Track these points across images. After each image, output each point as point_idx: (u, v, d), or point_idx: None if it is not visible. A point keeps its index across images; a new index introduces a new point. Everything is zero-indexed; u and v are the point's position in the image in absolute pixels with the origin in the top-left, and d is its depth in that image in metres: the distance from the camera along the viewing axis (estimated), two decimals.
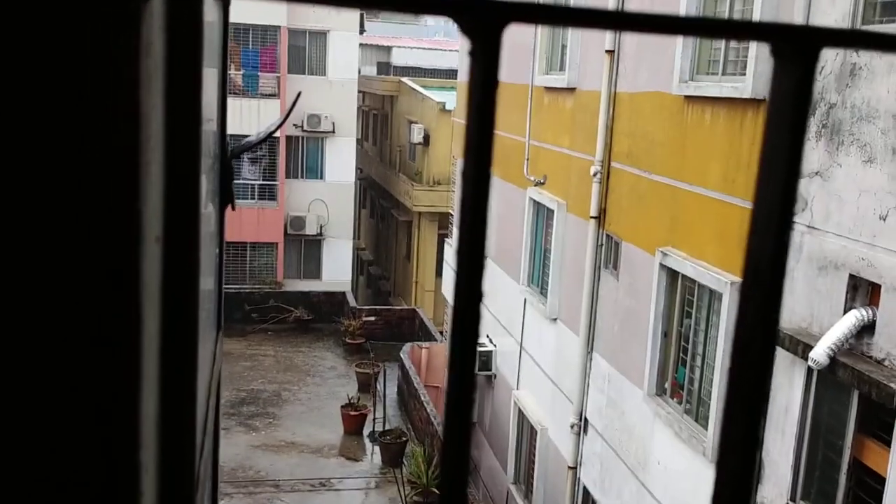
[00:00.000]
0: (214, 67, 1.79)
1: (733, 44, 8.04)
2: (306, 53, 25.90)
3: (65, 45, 0.51)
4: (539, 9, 0.42)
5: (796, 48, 0.45)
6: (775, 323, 0.47)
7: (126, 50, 0.53)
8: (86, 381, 0.57)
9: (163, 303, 0.82)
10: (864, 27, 6.27)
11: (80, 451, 0.58)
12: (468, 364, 0.45)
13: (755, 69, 7.33)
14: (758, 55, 7.32)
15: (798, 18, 6.80)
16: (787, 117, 0.45)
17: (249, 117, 23.89)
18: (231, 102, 27.67)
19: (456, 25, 0.40)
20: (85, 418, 0.58)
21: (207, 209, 1.62)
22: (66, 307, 0.56)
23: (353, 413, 17.26)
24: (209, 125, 1.65)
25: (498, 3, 0.40)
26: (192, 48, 0.85)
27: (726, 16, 8.09)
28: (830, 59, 6.49)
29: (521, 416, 13.11)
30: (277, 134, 24.69)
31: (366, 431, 17.31)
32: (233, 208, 1.97)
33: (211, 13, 1.56)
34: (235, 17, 23.74)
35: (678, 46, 8.59)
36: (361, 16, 26.74)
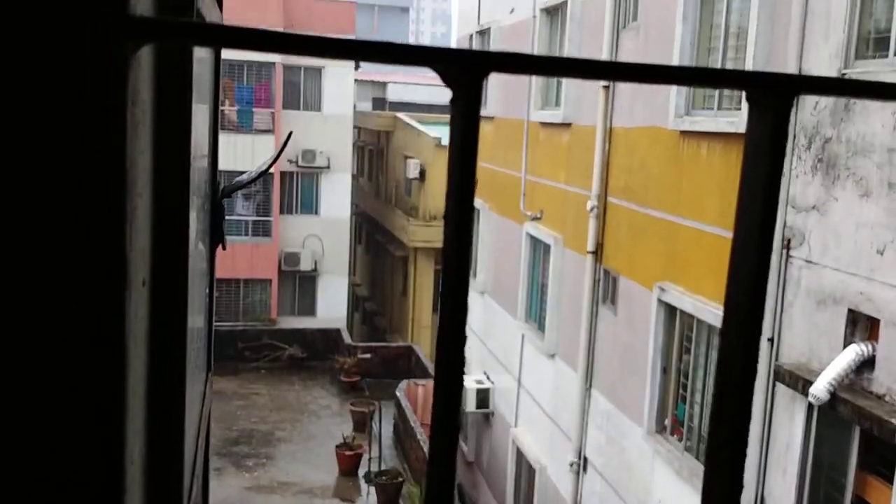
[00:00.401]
0: (206, 104, 1.76)
1: None
2: (301, 89, 26.06)
3: (53, 94, 0.53)
4: (517, 58, 0.44)
5: (770, 96, 0.46)
6: (756, 352, 0.48)
7: (113, 99, 0.55)
8: (70, 422, 0.57)
9: (150, 345, 0.82)
10: (858, 62, 6.30)
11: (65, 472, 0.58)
12: (452, 410, 0.45)
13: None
14: None
15: (791, 54, 6.84)
16: (763, 163, 0.46)
17: (244, 153, 23.95)
18: (225, 138, 27.66)
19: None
20: (65, 458, 0.58)
21: (198, 248, 1.58)
22: (50, 347, 0.56)
23: (347, 453, 17.04)
24: (201, 162, 1.62)
25: (477, 53, 0.42)
26: (180, 95, 0.89)
27: (721, 51, 8.13)
28: None
29: (520, 454, 12.95)
30: (271, 170, 24.73)
31: (361, 472, 17.08)
32: (223, 248, 1.93)
33: (202, 51, 1.53)
34: (230, 53, 23.90)
35: None
36: None
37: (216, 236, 1.87)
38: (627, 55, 9.92)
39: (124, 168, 0.55)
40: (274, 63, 25.02)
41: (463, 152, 0.42)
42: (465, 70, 0.41)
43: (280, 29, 28.59)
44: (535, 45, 12.57)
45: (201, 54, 1.52)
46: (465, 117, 0.42)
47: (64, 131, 0.53)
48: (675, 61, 8.61)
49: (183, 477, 1.11)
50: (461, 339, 0.44)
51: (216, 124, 1.94)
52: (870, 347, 6.00)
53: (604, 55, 10.20)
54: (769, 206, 0.46)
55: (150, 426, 0.85)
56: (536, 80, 12.58)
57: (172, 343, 0.89)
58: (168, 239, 0.84)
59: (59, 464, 0.57)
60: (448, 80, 0.41)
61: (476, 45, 15.51)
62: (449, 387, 0.44)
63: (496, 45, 14.49)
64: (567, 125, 11.54)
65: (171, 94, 0.83)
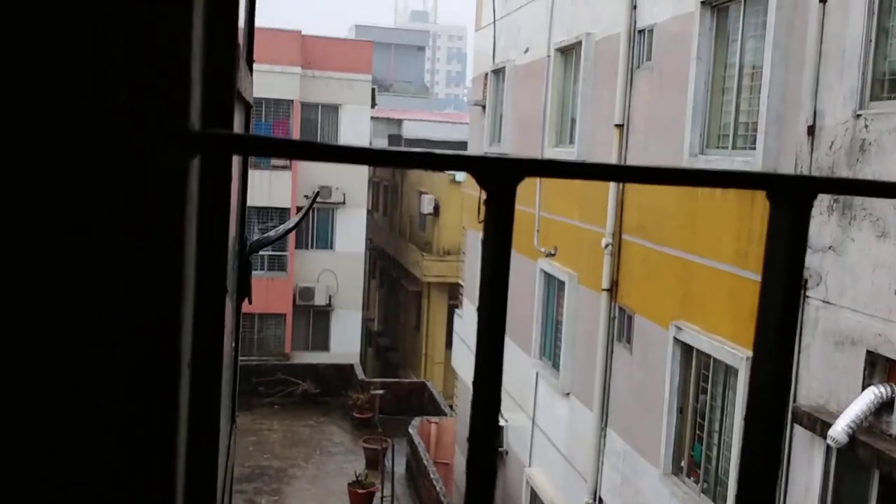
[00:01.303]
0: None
1: (742, 118, 8.09)
2: (318, 126, 26.32)
3: (121, 202, 0.57)
4: (548, 164, 0.48)
5: (791, 196, 0.48)
6: (787, 393, 0.51)
7: (173, 205, 0.58)
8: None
9: (190, 423, 0.86)
10: (873, 103, 6.30)
11: None
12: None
13: (765, 143, 7.36)
14: (767, 130, 7.35)
15: (806, 94, 6.85)
16: (783, 259, 0.48)
17: (261, 189, 24.14)
18: None
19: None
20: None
21: (227, 307, 1.59)
22: (107, 436, 0.59)
23: (360, 491, 16.89)
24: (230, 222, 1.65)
25: (512, 159, 0.45)
26: (223, 182, 0.95)
27: (735, 91, 8.16)
28: (840, 134, 6.50)
29: (534, 494, 12.80)
30: (288, 205, 24.91)
31: None
32: (249, 302, 1.95)
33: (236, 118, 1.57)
34: None
35: (687, 120, 8.66)
36: (373, 90, 27.24)
37: (243, 290, 1.89)
38: (641, 95, 9.98)
39: (181, 271, 0.59)
40: (292, 101, 25.31)
41: (497, 250, 0.44)
42: (501, 174, 0.43)
43: (298, 68, 28.69)
44: (549, 85, 12.67)
45: (239, 111, 1.55)
46: (500, 218, 0.44)
47: (125, 237, 0.57)
48: (689, 101, 8.65)
49: None
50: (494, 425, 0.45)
51: (245, 177, 1.97)
52: (889, 389, 5.92)
53: (618, 95, 10.27)
54: (790, 301, 0.47)
55: (187, 487, 0.87)
56: (550, 117, 12.66)
57: (209, 419, 0.92)
58: (208, 318, 0.89)
59: None
60: (484, 184, 0.44)
61: (491, 83, 15.64)
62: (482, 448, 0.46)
63: (510, 83, 14.62)
64: None
65: (214, 181, 0.89)
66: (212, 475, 1.01)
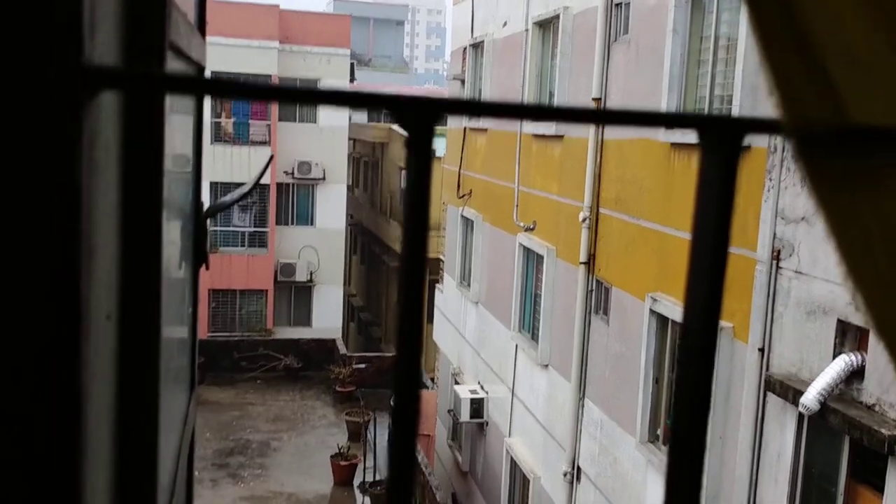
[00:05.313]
0: (189, 117, 1.79)
1: (718, 90, 8.15)
2: None
3: (5, 143, 0.52)
4: (466, 104, 0.48)
5: (720, 138, 0.47)
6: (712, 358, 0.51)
7: (65, 148, 0.53)
8: (23, 465, 0.55)
9: (119, 377, 0.82)
10: None
11: None
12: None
13: (740, 114, 7.41)
14: (741, 102, 7.42)
15: None
16: (713, 205, 0.47)
17: (240, 164, 24.01)
18: (223, 150, 27.33)
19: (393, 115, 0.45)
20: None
21: (180, 268, 1.61)
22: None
23: (343, 463, 17.03)
24: (182, 182, 1.65)
25: (428, 99, 0.45)
26: (151, 127, 0.87)
27: (710, 63, 8.21)
28: None
29: (514, 464, 12.96)
30: (268, 181, 24.79)
31: (356, 482, 17.07)
32: (206, 268, 1.96)
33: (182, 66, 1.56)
34: (226, 66, 23.97)
35: (664, 93, 8.70)
36: (352, 65, 27.06)
37: (199, 256, 1.90)
38: (618, 68, 10.00)
39: (78, 215, 0.55)
40: (270, 75, 25.11)
41: (417, 190, 0.44)
42: (418, 114, 0.44)
43: (276, 43, 28.41)
44: (527, 58, 12.65)
45: (182, 69, 1.55)
46: (420, 155, 0.45)
47: (15, 179, 0.53)
48: (665, 73, 8.69)
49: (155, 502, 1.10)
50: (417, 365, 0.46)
51: (200, 139, 1.97)
52: (859, 357, 6.04)
53: (595, 68, 10.29)
54: (719, 246, 0.47)
55: (120, 457, 0.85)
56: (529, 92, 12.66)
57: (143, 373, 0.88)
58: (138, 275, 0.85)
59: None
60: (402, 123, 0.45)
61: (470, 58, 15.59)
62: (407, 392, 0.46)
63: (489, 57, 14.58)
64: (559, 137, 11.61)
65: (140, 127, 0.83)
66: (151, 428, 0.97)
